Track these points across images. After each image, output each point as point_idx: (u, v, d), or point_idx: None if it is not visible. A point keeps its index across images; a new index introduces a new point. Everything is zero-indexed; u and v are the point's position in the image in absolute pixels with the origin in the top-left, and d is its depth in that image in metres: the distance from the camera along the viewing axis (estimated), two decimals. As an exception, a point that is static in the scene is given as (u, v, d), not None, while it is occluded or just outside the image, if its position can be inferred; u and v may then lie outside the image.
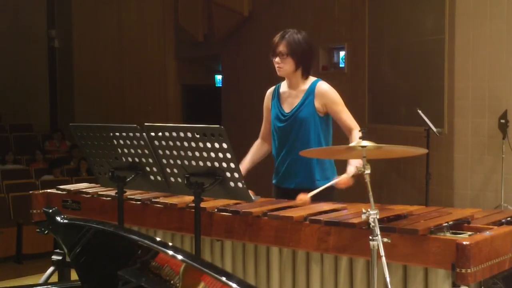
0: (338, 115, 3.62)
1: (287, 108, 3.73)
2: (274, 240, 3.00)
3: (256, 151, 3.94)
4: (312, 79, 3.71)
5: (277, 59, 3.66)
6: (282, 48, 3.63)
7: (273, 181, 3.84)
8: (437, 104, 7.38)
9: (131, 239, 1.86)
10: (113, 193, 3.58)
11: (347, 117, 3.63)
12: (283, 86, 3.80)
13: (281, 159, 3.75)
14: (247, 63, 10.93)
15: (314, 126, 3.64)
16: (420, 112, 6.75)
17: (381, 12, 8.40)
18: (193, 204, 2.93)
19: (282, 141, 3.74)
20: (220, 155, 2.79)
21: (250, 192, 2.93)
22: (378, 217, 2.54)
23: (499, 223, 2.88)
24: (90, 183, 4.27)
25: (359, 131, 2.86)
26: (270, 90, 3.89)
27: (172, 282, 1.67)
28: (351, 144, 2.80)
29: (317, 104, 3.63)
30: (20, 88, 12.93)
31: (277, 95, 3.81)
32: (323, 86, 3.66)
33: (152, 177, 3.13)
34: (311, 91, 3.65)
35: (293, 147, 3.65)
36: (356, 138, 3.40)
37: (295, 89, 3.72)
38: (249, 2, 10.76)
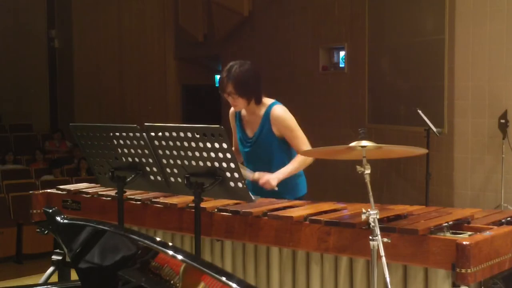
0: (291, 141, 3.73)
1: (249, 133, 3.83)
2: (274, 240, 3.00)
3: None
4: (267, 102, 3.77)
5: (229, 99, 3.71)
6: (230, 88, 3.66)
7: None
8: (437, 104, 7.38)
9: (131, 239, 1.86)
10: (113, 193, 3.58)
11: (298, 143, 3.70)
12: (243, 110, 3.86)
13: (245, 160, 3.88)
14: (247, 63, 10.91)
15: (278, 150, 3.75)
16: (420, 112, 6.75)
17: (381, 12, 8.40)
18: (193, 204, 2.93)
19: (248, 162, 3.86)
20: (220, 155, 2.79)
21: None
22: (378, 217, 2.54)
23: (499, 223, 2.88)
24: (90, 183, 4.27)
25: (359, 130, 2.85)
26: (232, 111, 3.95)
27: (172, 282, 1.67)
28: (351, 144, 2.80)
29: (274, 129, 3.73)
30: (20, 88, 12.93)
31: (239, 118, 3.90)
32: (276, 112, 3.72)
33: (152, 177, 3.13)
34: (266, 118, 3.73)
35: (260, 168, 3.73)
36: (295, 161, 3.69)
37: (253, 115, 3.80)
38: (249, 2, 10.76)
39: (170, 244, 1.76)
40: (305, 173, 3.93)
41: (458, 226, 2.82)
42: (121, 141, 3.11)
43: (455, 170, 7.27)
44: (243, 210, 3.11)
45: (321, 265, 2.88)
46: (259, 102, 3.74)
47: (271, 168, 3.70)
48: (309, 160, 3.70)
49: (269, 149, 3.75)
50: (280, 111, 3.73)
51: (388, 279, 2.46)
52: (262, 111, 3.75)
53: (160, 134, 2.94)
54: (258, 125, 3.77)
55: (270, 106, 3.75)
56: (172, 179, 3.03)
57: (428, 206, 4.37)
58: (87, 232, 2.03)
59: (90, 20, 12.74)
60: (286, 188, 3.70)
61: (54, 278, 3.85)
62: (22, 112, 13.02)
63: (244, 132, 3.85)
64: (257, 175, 3.65)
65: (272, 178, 3.59)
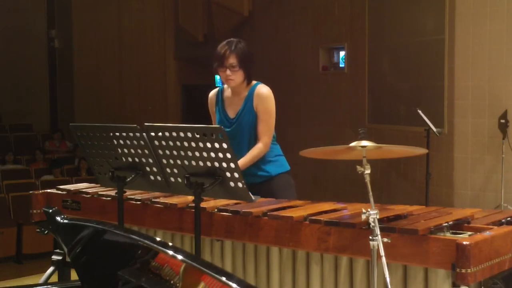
0: (259, 123, 3.73)
1: (231, 114, 3.83)
2: (274, 240, 3.00)
3: None
4: (253, 83, 3.80)
5: (228, 72, 3.69)
6: (232, 60, 3.68)
7: None
8: (437, 104, 7.39)
9: (131, 239, 1.86)
10: (113, 193, 3.58)
11: (264, 129, 3.72)
12: (227, 91, 3.88)
13: None
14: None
15: (256, 128, 3.74)
16: (420, 112, 6.76)
17: (381, 12, 8.40)
18: (193, 204, 2.93)
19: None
20: (220, 155, 2.79)
21: None
22: (378, 217, 2.54)
23: (499, 223, 2.88)
24: (90, 183, 4.27)
25: (359, 130, 2.86)
26: (212, 94, 3.96)
27: (172, 282, 1.67)
28: (351, 144, 2.80)
29: (254, 106, 3.74)
30: (20, 88, 12.92)
31: (220, 100, 3.89)
32: (261, 90, 3.76)
33: (152, 177, 3.13)
34: (250, 95, 3.76)
35: (239, 150, 3.71)
36: (253, 151, 3.68)
37: (238, 95, 3.81)
38: (249, 2, 10.77)
39: (170, 244, 1.76)
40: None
41: (458, 226, 2.82)
42: (121, 141, 3.11)
43: (455, 170, 7.28)
44: (243, 210, 3.11)
45: (321, 265, 2.88)
46: (249, 81, 3.77)
47: (249, 148, 3.72)
48: (262, 153, 3.72)
49: (249, 128, 3.74)
50: (265, 90, 3.77)
51: (388, 279, 2.46)
52: (247, 90, 3.78)
53: (160, 134, 2.94)
54: (240, 106, 3.78)
55: (256, 84, 3.79)
56: (172, 179, 3.03)
57: (428, 206, 4.37)
58: (87, 232, 2.03)
59: (90, 20, 12.74)
60: (264, 162, 3.75)
61: (54, 278, 3.85)
62: (22, 112, 13.01)
63: (225, 113, 3.85)
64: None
65: None
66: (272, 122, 3.74)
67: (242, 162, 3.59)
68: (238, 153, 3.68)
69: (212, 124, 3.95)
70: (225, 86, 3.89)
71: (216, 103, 3.92)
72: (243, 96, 3.79)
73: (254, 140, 3.77)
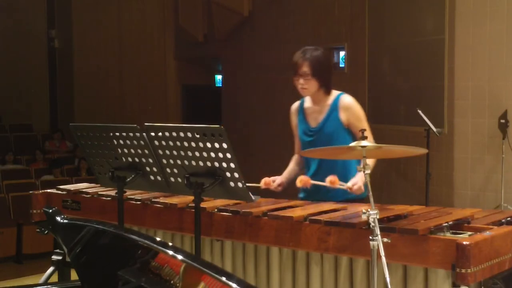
0: (357, 132, 3.53)
1: (313, 123, 3.72)
2: (274, 240, 3.00)
3: (292, 167, 3.88)
4: (335, 93, 3.70)
5: (301, 80, 3.60)
6: (305, 68, 3.57)
7: (300, 195, 3.75)
8: (437, 104, 7.38)
9: (131, 239, 1.86)
10: (113, 193, 3.58)
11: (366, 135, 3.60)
12: (307, 102, 3.78)
13: (313, 172, 3.71)
14: (247, 63, 10.94)
15: (342, 140, 3.60)
16: (420, 112, 6.75)
17: (381, 12, 8.40)
18: (193, 204, 2.93)
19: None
20: (220, 155, 2.79)
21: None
22: (378, 217, 2.54)
23: (499, 223, 2.88)
24: (90, 183, 4.27)
25: (360, 131, 2.86)
26: (294, 106, 3.86)
27: (172, 282, 1.67)
28: (351, 144, 2.80)
29: (342, 117, 3.62)
30: (20, 88, 12.92)
31: (301, 111, 3.79)
32: (347, 100, 3.65)
33: (152, 177, 3.13)
34: (335, 106, 3.64)
35: (322, 161, 3.63)
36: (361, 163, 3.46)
37: (318, 105, 3.70)
38: (249, 2, 10.76)
39: (170, 244, 1.76)
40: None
41: (458, 226, 2.82)
42: (121, 141, 3.11)
43: (455, 170, 7.27)
44: (243, 210, 3.11)
45: (321, 265, 2.88)
46: (328, 91, 3.66)
47: (335, 160, 3.57)
48: (375, 160, 3.54)
49: (332, 137, 3.60)
50: (350, 99, 3.66)
51: (388, 279, 2.46)
52: (330, 100, 3.67)
53: (160, 134, 2.94)
54: (323, 115, 3.66)
55: (339, 94, 3.68)
56: (172, 179, 3.03)
57: (428, 206, 4.37)
58: (87, 232, 2.03)
59: (90, 20, 12.74)
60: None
61: (54, 278, 3.85)
62: (22, 112, 13.01)
63: (307, 123, 3.74)
64: (350, 183, 3.44)
65: (359, 183, 3.42)
66: (368, 127, 3.54)
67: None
68: (319, 163, 3.62)
69: (295, 137, 3.86)
70: (306, 98, 3.77)
71: (297, 114, 3.81)
72: (325, 105, 3.67)
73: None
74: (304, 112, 3.78)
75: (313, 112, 3.73)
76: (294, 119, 3.84)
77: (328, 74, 3.66)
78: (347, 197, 3.49)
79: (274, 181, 3.71)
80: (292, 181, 3.77)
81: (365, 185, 3.41)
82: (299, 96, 3.81)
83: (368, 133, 3.54)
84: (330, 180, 3.41)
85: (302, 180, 3.48)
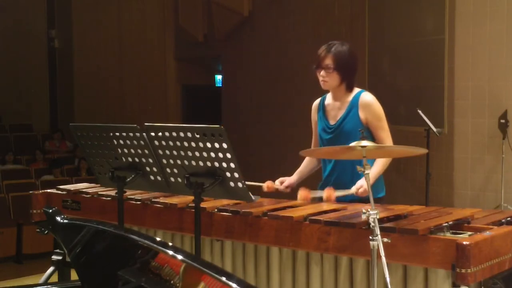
0: (376, 131, 3.56)
1: (332, 120, 3.67)
2: (274, 240, 3.00)
3: (306, 165, 3.86)
4: (356, 90, 3.66)
5: (322, 73, 3.58)
6: (328, 61, 3.55)
7: None
8: (437, 104, 7.38)
9: (131, 239, 1.86)
10: (113, 193, 3.58)
11: (384, 135, 3.55)
12: (328, 98, 3.74)
13: (329, 171, 3.68)
14: (247, 63, 10.94)
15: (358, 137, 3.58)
16: (420, 112, 6.75)
17: (381, 12, 8.40)
18: (193, 204, 2.93)
19: None
20: (220, 155, 2.79)
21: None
22: (378, 217, 2.54)
23: (499, 223, 2.88)
24: (90, 183, 4.27)
25: (360, 130, 2.86)
26: (315, 103, 3.82)
27: (172, 282, 1.67)
28: (351, 144, 2.80)
29: (361, 115, 3.58)
30: (20, 88, 12.92)
31: (322, 108, 3.75)
32: (367, 98, 3.60)
33: (152, 177, 3.13)
34: (354, 103, 3.60)
35: (337, 162, 3.59)
36: (379, 162, 3.44)
37: (339, 101, 3.66)
38: (249, 2, 10.77)
39: (170, 244, 1.76)
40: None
41: (458, 226, 2.82)
42: (121, 141, 3.11)
43: (455, 170, 7.27)
44: (243, 210, 3.11)
45: (321, 265, 2.88)
46: (350, 87, 3.62)
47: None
48: (389, 160, 3.52)
49: (351, 136, 3.48)
50: (370, 97, 3.61)
51: (388, 279, 2.46)
52: (350, 97, 3.62)
53: (160, 134, 2.94)
54: (343, 111, 3.62)
55: (360, 92, 3.64)
56: (172, 179, 3.03)
57: (428, 206, 4.37)
58: (87, 232, 2.03)
59: (90, 20, 12.74)
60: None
61: (54, 278, 3.85)
62: (22, 112, 13.01)
63: (326, 120, 3.69)
64: (354, 189, 3.41)
65: (365, 186, 3.29)
66: (386, 126, 3.56)
67: (373, 171, 3.35)
68: (334, 164, 3.58)
69: (313, 134, 3.82)
70: (328, 94, 3.75)
71: (317, 111, 3.77)
72: (344, 102, 3.62)
73: None
74: (325, 109, 3.73)
75: (333, 109, 3.69)
76: (315, 116, 3.80)
77: (351, 70, 3.61)
78: (355, 198, 3.43)
79: (282, 183, 3.68)
80: (302, 182, 3.75)
81: (374, 184, 3.45)
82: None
83: (386, 133, 3.54)
84: (327, 196, 3.40)
85: (302, 196, 3.43)
